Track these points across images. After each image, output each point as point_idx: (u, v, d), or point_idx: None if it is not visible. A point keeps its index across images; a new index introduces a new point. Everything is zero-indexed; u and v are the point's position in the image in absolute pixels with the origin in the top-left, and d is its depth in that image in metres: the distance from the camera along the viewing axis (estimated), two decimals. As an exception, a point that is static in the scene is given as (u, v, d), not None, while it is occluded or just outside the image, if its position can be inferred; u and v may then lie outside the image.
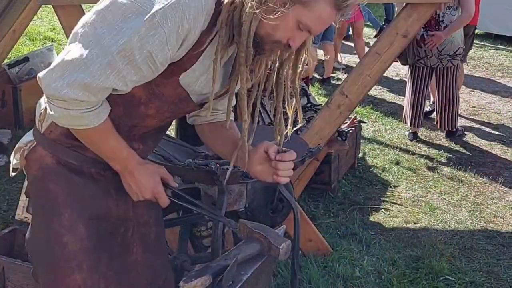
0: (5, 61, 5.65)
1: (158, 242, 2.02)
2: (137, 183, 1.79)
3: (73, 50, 1.56)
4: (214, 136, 1.94)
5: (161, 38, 1.53)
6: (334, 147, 3.77)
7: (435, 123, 5.60)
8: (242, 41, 1.59)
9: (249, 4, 1.54)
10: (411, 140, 5.53)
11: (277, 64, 1.77)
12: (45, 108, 1.75)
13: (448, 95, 5.34)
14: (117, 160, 1.77)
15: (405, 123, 5.57)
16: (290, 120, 1.81)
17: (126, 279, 1.88)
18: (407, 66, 5.49)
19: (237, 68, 1.68)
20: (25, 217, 2.41)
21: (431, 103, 6.22)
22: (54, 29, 8.48)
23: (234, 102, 1.84)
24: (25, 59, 5.38)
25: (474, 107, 6.58)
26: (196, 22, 1.56)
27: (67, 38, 3.84)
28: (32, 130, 1.88)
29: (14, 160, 1.88)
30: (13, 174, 1.93)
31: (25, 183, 2.06)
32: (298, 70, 1.76)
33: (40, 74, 1.59)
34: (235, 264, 1.59)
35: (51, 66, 1.57)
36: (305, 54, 1.73)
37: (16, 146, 1.89)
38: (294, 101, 1.80)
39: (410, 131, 5.58)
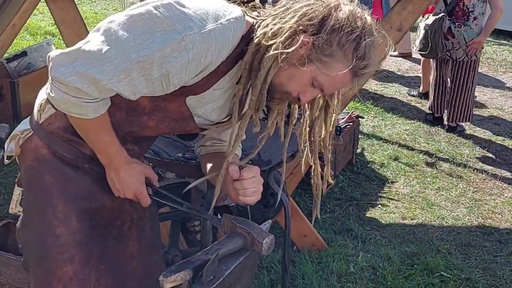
0: (5, 55, 5.66)
1: (153, 235, 2.03)
2: (121, 182, 1.79)
3: (92, 42, 1.54)
4: (214, 169, 1.87)
5: (183, 62, 1.52)
6: (328, 142, 3.74)
7: (447, 117, 5.61)
8: (257, 85, 1.60)
9: (272, 52, 1.54)
10: (431, 121, 5.75)
11: (308, 122, 1.78)
12: (46, 99, 1.74)
13: (466, 88, 5.43)
14: (105, 155, 1.77)
15: (431, 111, 5.75)
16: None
17: (119, 273, 1.87)
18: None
19: (244, 110, 1.69)
20: (19, 211, 2.40)
21: (419, 91, 6.39)
22: (55, 23, 8.47)
23: (244, 137, 1.79)
24: (24, 53, 5.38)
25: (476, 102, 6.53)
26: (219, 56, 1.57)
27: (60, 32, 3.86)
28: (28, 118, 1.88)
29: (8, 148, 1.87)
30: (7, 162, 1.92)
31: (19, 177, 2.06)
32: (329, 129, 1.78)
33: (52, 54, 1.57)
34: (216, 258, 1.57)
35: (66, 50, 1.56)
36: (334, 114, 1.75)
37: (12, 133, 1.88)
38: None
39: (433, 114, 5.74)
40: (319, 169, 1.85)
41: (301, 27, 1.54)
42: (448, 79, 5.52)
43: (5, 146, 1.89)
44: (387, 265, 3.45)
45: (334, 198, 4.25)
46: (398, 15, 2.96)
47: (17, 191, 2.18)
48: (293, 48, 1.53)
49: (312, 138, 1.79)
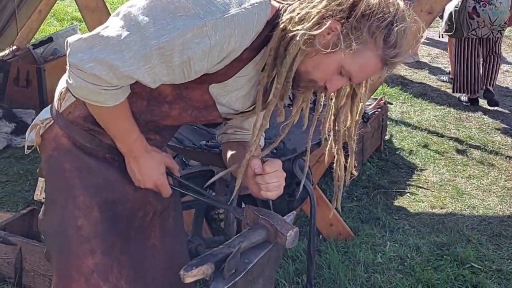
0: (31, 41, 5.68)
1: (176, 226, 1.98)
2: (141, 171, 1.74)
3: (111, 27, 1.48)
4: (235, 159, 1.82)
5: (205, 48, 1.46)
6: (355, 129, 3.65)
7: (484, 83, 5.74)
8: (282, 73, 1.54)
9: (298, 38, 1.48)
10: (470, 105, 5.75)
11: (333, 110, 1.72)
12: (66, 87, 1.69)
13: (494, 57, 5.65)
14: (124, 143, 1.72)
15: (462, 92, 5.77)
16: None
17: (141, 264, 1.84)
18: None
19: (269, 99, 1.64)
20: (43, 198, 2.39)
21: (450, 76, 6.30)
22: (80, 9, 8.47)
23: (267, 126, 1.74)
24: (49, 39, 5.39)
25: (507, 87, 6.37)
26: (243, 42, 1.50)
27: (83, 18, 3.83)
28: (49, 107, 1.84)
29: (29, 137, 1.84)
30: (28, 151, 1.89)
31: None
32: (355, 119, 1.72)
33: (70, 39, 1.52)
34: (239, 252, 1.52)
35: (84, 35, 1.50)
36: (361, 103, 1.69)
37: (32, 122, 1.85)
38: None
39: (469, 97, 5.77)
40: (343, 159, 1.79)
41: (329, 12, 1.46)
42: (476, 57, 5.64)
43: (26, 135, 1.86)
44: (416, 255, 3.37)
45: (361, 186, 4.17)
46: (428, -3, 2.85)
47: (42, 179, 2.16)
48: (319, 31, 1.46)
49: (337, 128, 1.73)
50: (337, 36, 1.46)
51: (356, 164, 4.05)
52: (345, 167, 1.79)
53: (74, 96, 1.65)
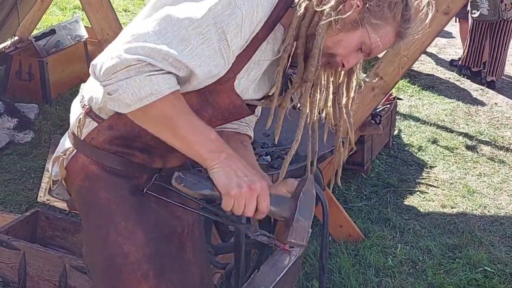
0: (34, 32, 5.58)
1: (202, 238, 1.93)
2: (243, 169, 1.48)
3: (137, 27, 1.44)
4: None
5: (237, 19, 1.42)
6: (367, 131, 3.58)
7: (486, 72, 6.03)
8: (314, 54, 1.50)
9: (325, 17, 1.47)
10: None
11: (332, 89, 1.70)
12: (84, 112, 1.63)
13: (504, 47, 5.89)
14: (206, 144, 1.46)
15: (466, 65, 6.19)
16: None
17: (186, 281, 1.78)
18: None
19: (299, 84, 1.58)
20: (47, 200, 2.32)
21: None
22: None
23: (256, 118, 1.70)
24: (52, 31, 5.27)
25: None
26: (266, 12, 1.48)
27: (88, 17, 3.72)
28: (66, 137, 1.74)
29: (53, 172, 1.73)
30: (59, 204, 1.81)
31: (48, 163, 1.93)
32: (351, 95, 1.70)
33: (95, 62, 1.44)
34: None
35: (107, 49, 1.44)
36: (357, 78, 1.69)
37: (53, 156, 1.75)
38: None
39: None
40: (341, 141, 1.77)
41: None
42: (487, 39, 5.92)
43: (49, 169, 1.76)
44: (427, 258, 3.31)
45: (370, 185, 4.09)
46: (445, -4, 2.75)
47: (46, 179, 2.07)
48: (348, 13, 1.47)
49: (338, 105, 1.71)
50: (358, 13, 1.48)
51: (356, 151, 3.97)
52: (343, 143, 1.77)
53: (118, 114, 1.53)
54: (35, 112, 4.77)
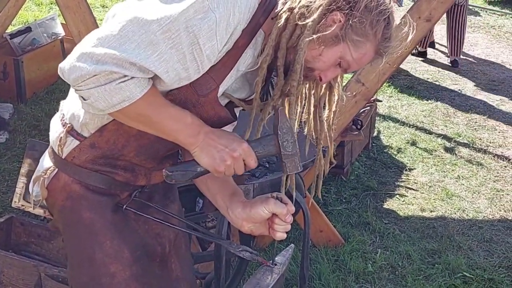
0: (8, 29, 5.46)
1: (188, 252, 1.91)
2: (221, 140, 1.49)
3: (102, 29, 1.39)
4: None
5: (210, 23, 1.38)
6: (348, 137, 3.57)
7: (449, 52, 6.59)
8: (296, 69, 1.48)
9: (307, 31, 1.46)
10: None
11: (313, 101, 1.68)
12: (65, 131, 1.60)
13: (460, 29, 6.46)
14: (185, 130, 1.48)
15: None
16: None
17: None
18: None
19: (278, 96, 1.57)
20: (22, 205, 2.27)
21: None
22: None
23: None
24: (28, 29, 5.16)
25: (494, 81, 6.31)
26: (245, 15, 1.44)
27: (65, 19, 3.64)
28: (46, 155, 1.70)
29: (34, 192, 1.70)
30: (34, 210, 1.76)
31: (23, 167, 1.89)
32: (333, 109, 1.68)
33: (62, 65, 1.40)
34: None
35: (74, 53, 1.39)
36: (338, 93, 1.66)
37: (34, 176, 1.71)
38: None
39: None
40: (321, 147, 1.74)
41: (334, 4, 1.46)
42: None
43: (30, 189, 1.72)
44: (407, 263, 3.31)
45: (350, 187, 4.09)
46: (427, 3, 2.74)
47: (21, 184, 2.02)
48: (331, 29, 1.45)
49: (319, 118, 1.69)
50: (340, 28, 1.46)
51: (336, 154, 3.96)
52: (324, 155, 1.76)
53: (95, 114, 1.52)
54: (9, 112, 4.66)
